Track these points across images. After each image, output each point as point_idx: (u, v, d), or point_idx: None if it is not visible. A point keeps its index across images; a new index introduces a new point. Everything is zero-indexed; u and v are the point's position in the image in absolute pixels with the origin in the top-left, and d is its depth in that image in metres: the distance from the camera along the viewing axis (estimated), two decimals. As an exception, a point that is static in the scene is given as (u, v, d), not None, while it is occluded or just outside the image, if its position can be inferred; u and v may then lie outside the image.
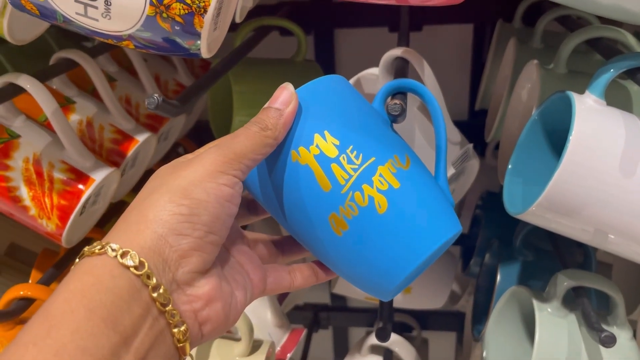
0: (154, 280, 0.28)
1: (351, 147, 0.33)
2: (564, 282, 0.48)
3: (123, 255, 0.27)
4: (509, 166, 0.47)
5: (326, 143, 0.33)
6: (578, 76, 0.52)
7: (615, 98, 0.48)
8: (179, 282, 0.29)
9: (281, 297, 0.68)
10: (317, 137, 0.33)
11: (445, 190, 0.37)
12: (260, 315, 0.58)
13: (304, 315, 1.08)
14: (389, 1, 0.42)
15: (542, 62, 0.54)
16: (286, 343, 0.59)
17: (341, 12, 0.85)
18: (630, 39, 0.48)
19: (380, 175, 0.33)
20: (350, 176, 0.33)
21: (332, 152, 0.33)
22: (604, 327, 0.48)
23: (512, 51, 0.62)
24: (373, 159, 0.33)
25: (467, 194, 0.85)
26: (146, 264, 0.28)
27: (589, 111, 0.39)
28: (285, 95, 0.33)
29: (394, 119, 0.36)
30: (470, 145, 0.50)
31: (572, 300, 0.50)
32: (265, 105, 0.33)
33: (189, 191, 0.29)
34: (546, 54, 0.61)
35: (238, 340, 0.52)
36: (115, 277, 0.27)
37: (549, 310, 0.49)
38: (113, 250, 0.28)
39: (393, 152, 0.34)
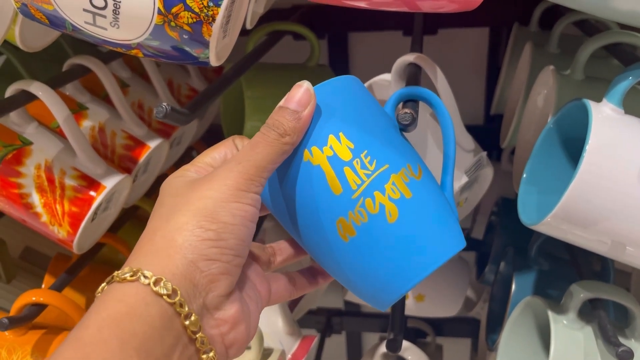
0: (186, 309, 0.27)
1: (365, 151, 0.32)
2: (580, 293, 0.47)
3: (156, 282, 0.27)
4: (524, 175, 0.46)
5: (340, 145, 0.32)
6: (596, 82, 0.51)
7: (635, 106, 0.47)
8: (208, 307, 0.29)
9: (292, 304, 0.68)
10: (331, 139, 0.32)
11: (451, 202, 0.36)
12: (271, 323, 0.58)
13: (317, 320, 1.07)
14: (401, 8, 0.41)
15: (558, 67, 0.53)
16: (297, 351, 0.58)
17: (355, 16, 0.84)
18: (650, 45, 0.47)
19: (393, 183, 0.32)
20: (363, 182, 0.32)
21: (346, 155, 0.32)
22: (622, 340, 0.47)
23: (528, 56, 0.61)
24: (387, 166, 0.33)
25: (482, 199, 0.84)
26: (179, 292, 0.27)
27: (606, 120, 0.38)
28: (303, 96, 0.32)
29: (405, 127, 0.35)
30: (484, 154, 0.49)
31: (589, 311, 0.49)
32: (281, 104, 0.32)
33: (216, 214, 0.29)
34: (563, 59, 0.60)
35: (248, 348, 0.52)
36: (148, 305, 0.27)
37: (565, 322, 0.48)
38: (146, 277, 0.27)
39: (406, 161, 0.33)
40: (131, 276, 0.27)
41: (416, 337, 1.02)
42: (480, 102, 0.90)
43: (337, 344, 1.16)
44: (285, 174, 0.33)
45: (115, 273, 0.28)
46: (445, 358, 1.04)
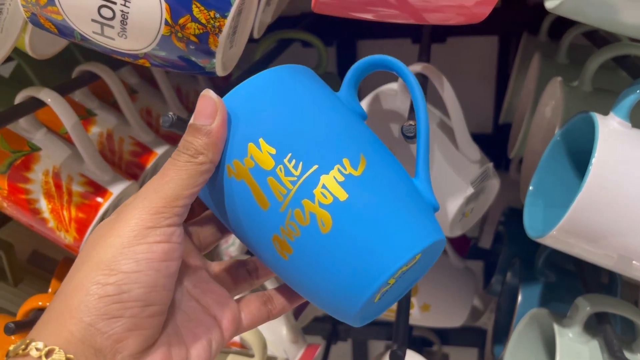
0: None
1: (289, 155, 0.28)
2: (586, 307, 0.47)
3: (48, 354, 0.24)
4: (530, 188, 0.45)
5: (261, 153, 0.28)
6: (604, 94, 0.51)
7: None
8: None
9: (297, 312, 0.68)
10: (251, 147, 0.28)
11: (424, 191, 0.31)
12: (275, 331, 0.58)
13: (323, 327, 1.07)
14: (408, 21, 0.42)
15: (566, 77, 0.52)
16: (301, 359, 0.58)
17: (363, 24, 0.85)
18: (659, 58, 0.47)
19: (324, 186, 0.28)
20: (289, 190, 0.28)
21: (267, 164, 0.28)
22: (628, 354, 0.46)
23: (537, 66, 0.61)
24: (315, 167, 0.28)
25: (489, 208, 0.84)
26: None
27: (613, 134, 0.38)
28: (207, 106, 0.28)
29: (410, 140, 0.35)
30: (490, 165, 0.49)
31: (595, 325, 0.48)
32: (190, 121, 0.29)
33: (115, 264, 0.25)
34: (571, 70, 0.60)
35: (252, 357, 0.52)
36: None
37: (570, 335, 0.48)
38: (38, 349, 0.24)
39: (342, 155, 0.29)
40: (23, 349, 0.25)
41: (422, 346, 1.01)
42: (489, 111, 0.90)
43: (343, 351, 1.15)
44: (214, 192, 0.30)
45: (11, 347, 0.25)
46: (452, 367, 1.04)
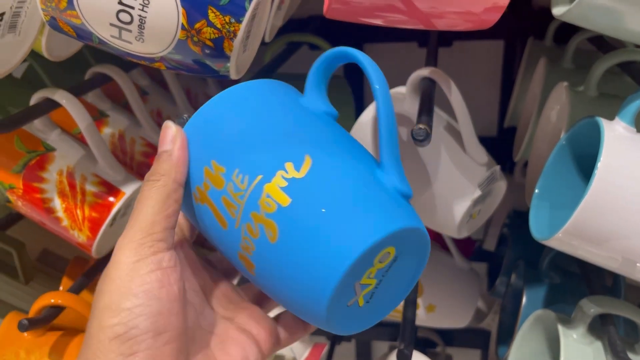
0: None
1: (236, 170, 0.28)
2: (590, 308, 0.47)
3: None
4: (536, 191, 0.46)
5: (213, 175, 0.29)
6: (609, 99, 0.51)
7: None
8: None
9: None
10: (206, 171, 0.29)
11: (388, 179, 0.29)
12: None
13: (328, 327, 1.08)
14: (416, 26, 0.42)
15: (572, 82, 0.53)
16: (308, 358, 0.59)
17: (370, 28, 0.85)
18: (664, 64, 0.47)
19: (267, 195, 0.27)
20: (239, 206, 0.28)
21: (219, 184, 0.28)
22: (631, 356, 0.47)
23: (542, 71, 0.61)
24: (260, 177, 0.28)
25: (494, 211, 0.84)
26: None
27: (618, 139, 0.39)
28: (168, 134, 0.30)
29: (420, 143, 0.36)
30: (498, 167, 0.50)
31: (599, 326, 0.49)
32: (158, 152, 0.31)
33: (116, 304, 0.26)
34: (577, 75, 0.60)
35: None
36: None
37: (575, 336, 0.48)
38: None
39: (285, 159, 0.28)
40: None
41: (426, 347, 1.02)
42: (493, 114, 0.91)
43: (347, 351, 1.16)
44: (192, 219, 0.31)
45: None
46: (455, 368, 1.04)
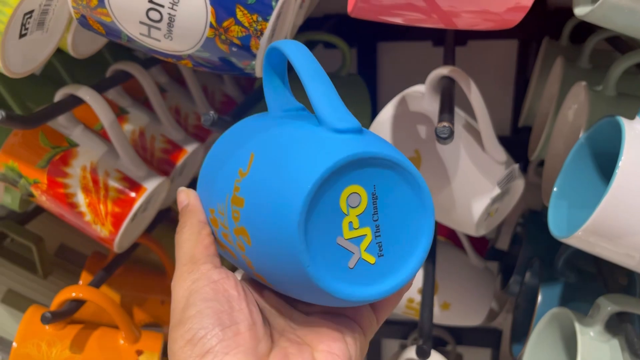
0: None
1: (217, 204, 0.30)
2: (607, 306, 0.48)
3: None
4: (555, 189, 0.47)
5: (211, 218, 0.31)
6: (628, 99, 0.52)
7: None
8: None
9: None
10: (211, 212, 0.31)
11: (325, 125, 0.27)
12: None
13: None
14: (437, 25, 0.43)
15: (589, 82, 0.53)
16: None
17: (385, 26, 0.86)
18: (683, 64, 0.47)
19: (233, 207, 0.28)
20: (228, 233, 0.29)
21: (216, 224, 0.31)
22: (649, 354, 0.47)
23: (560, 70, 0.62)
24: (227, 195, 0.29)
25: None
26: None
27: (639, 138, 0.39)
28: (181, 194, 0.33)
29: (443, 141, 0.37)
30: (517, 166, 0.50)
31: (616, 324, 0.49)
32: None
33: (179, 319, 0.27)
34: (594, 74, 0.61)
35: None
36: None
37: (592, 334, 0.49)
38: None
39: (237, 167, 0.29)
40: None
41: (437, 345, 1.02)
42: (507, 114, 0.91)
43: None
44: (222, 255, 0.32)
45: None
46: (466, 367, 1.05)
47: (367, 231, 0.26)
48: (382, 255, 0.27)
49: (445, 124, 0.36)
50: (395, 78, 0.91)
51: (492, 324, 0.93)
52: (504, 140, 0.91)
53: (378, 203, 0.26)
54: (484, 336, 1.03)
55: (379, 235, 0.26)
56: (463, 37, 0.83)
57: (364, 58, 0.90)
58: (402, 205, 0.27)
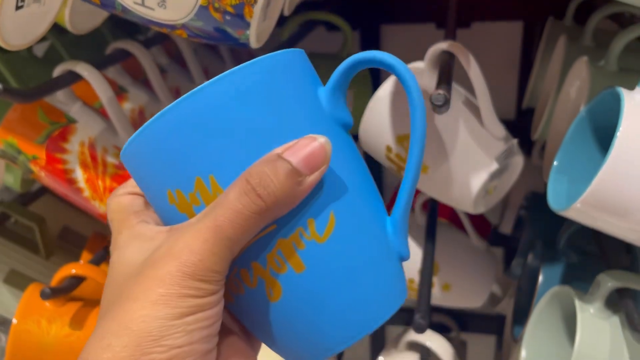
0: None
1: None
2: (607, 282, 0.47)
3: None
4: (555, 163, 0.46)
5: (210, 194, 0.23)
6: (630, 74, 0.51)
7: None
8: None
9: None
10: (198, 182, 0.23)
11: (395, 240, 0.26)
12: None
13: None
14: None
15: (592, 59, 0.53)
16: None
17: (388, 8, 0.85)
18: (686, 36, 0.47)
19: (279, 252, 0.24)
20: None
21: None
22: (649, 330, 0.47)
23: (562, 48, 0.61)
24: (273, 227, 0.24)
25: (510, 193, 0.84)
26: None
27: (638, 107, 0.38)
28: (316, 153, 0.24)
29: (438, 109, 0.36)
30: (515, 141, 0.50)
31: (616, 301, 0.49)
32: (279, 151, 0.24)
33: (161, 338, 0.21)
34: (597, 53, 0.60)
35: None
36: None
37: (592, 311, 0.48)
38: None
39: (308, 216, 0.24)
40: None
41: (440, 332, 1.02)
42: (512, 97, 0.90)
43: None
44: (159, 214, 0.26)
45: None
46: (469, 354, 1.04)
47: None
48: None
49: (441, 91, 0.36)
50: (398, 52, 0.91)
51: (496, 310, 0.92)
52: (508, 124, 0.91)
53: None
54: (488, 322, 1.02)
55: None
56: (466, 18, 0.83)
57: (366, 41, 0.89)
58: None
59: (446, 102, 0.36)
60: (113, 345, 0.21)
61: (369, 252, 0.25)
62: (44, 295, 0.51)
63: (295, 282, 0.24)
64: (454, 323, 0.99)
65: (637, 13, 0.61)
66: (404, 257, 0.27)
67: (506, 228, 0.88)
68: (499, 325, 0.99)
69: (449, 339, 1.01)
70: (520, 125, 0.79)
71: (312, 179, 0.23)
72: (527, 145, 0.84)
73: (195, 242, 0.22)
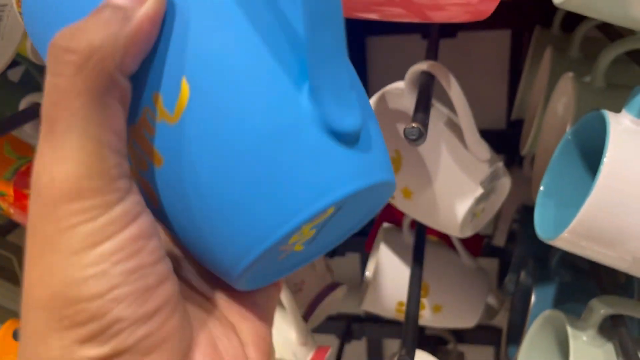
0: None
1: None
2: (600, 309, 0.45)
3: None
4: (541, 188, 0.44)
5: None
6: (618, 90, 0.49)
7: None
8: None
9: (307, 314, 0.68)
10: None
11: (317, 107, 0.18)
12: (284, 334, 0.58)
13: (337, 326, 1.06)
14: (412, 19, 0.41)
15: (579, 72, 0.51)
16: (311, 362, 0.58)
17: (373, 20, 0.83)
18: (675, 51, 0.45)
19: (135, 144, 0.19)
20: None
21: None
22: (645, 358, 0.45)
23: (549, 61, 0.59)
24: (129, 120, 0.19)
25: (503, 205, 0.82)
26: None
27: (625, 132, 0.37)
28: None
29: (413, 143, 0.34)
30: (501, 164, 0.48)
31: (611, 327, 0.47)
32: None
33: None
34: (585, 64, 0.58)
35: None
36: None
37: (584, 338, 0.46)
38: None
39: (152, 88, 0.18)
40: None
41: (437, 344, 1.00)
42: (502, 107, 0.88)
43: (357, 350, 1.15)
44: None
45: None
46: (468, 366, 1.03)
47: (311, 233, 0.21)
48: (310, 244, 0.22)
49: (414, 125, 0.34)
50: (385, 72, 0.89)
51: (493, 322, 0.91)
52: (499, 135, 0.89)
53: (338, 212, 0.21)
54: (485, 334, 1.00)
55: (319, 233, 0.21)
56: (452, 29, 0.81)
57: (353, 53, 0.87)
58: (356, 209, 0.22)
59: (420, 136, 0.34)
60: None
61: (253, 131, 0.18)
62: (17, 337, 0.49)
63: (161, 180, 0.19)
64: (451, 336, 0.98)
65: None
66: (337, 128, 0.18)
67: (499, 239, 0.86)
68: (496, 336, 0.97)
69: (447, 352, 1.00)
70: (511, 135, 0.78)
71: (143, 12, 0.17)
72: (519, 156, 0.83)
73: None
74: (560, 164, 0.44)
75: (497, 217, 0.84)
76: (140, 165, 0.19)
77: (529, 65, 0.68)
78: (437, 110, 0.50)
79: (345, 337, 1.04)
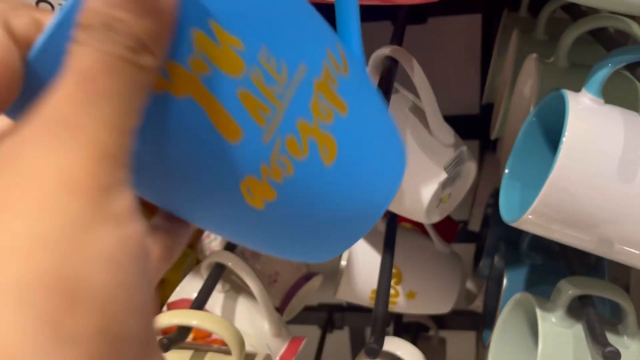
0: None
1: (264, 48, 0.17)
2: (568, 290, 0.45)
3: None
4: (506, 170, 0.44)
5: (220, 49, 0.16)
6: (581, 70, 0.49)
7: (620, 93, 0.45)
8: None
9: (282, 305, 0.67)
10: (199, 38, 0.15)
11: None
12: (257, 326, 0.57)
13: (319, 316, 1.06)
14: (373, 1, 0.40)
15: (545, 54, 0.51)
16: (285, 353, 0.57)
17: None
18: (636, 29, 0.45)
19: (321, 96, 0.18)
20: (274, 109, 0.17)
21: (233, 65, 0.16)
22: (614, 337, 0.45)
23: (515, 43, 0.59)
24: (303, 65, 0.18)
25: (478, 190, 0.82)
26: None
27: (584, 111, 0.36)
28: None
29: None
30: (465, 148, 0.48)
31: (579, 308, 0.47)
32: None
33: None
34: (551, 45, 0.57)
35: (228, 354, 0.50)
36: None
37: (553, 320, 0.46)
38: None
39: (325, 44, 0.19)
40: None
41: (418, 331, 1.00)
42: (475, 91, 0.88)
43: (339, 339, 1.15)
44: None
45: None
46: (449, 351, 1.03)
47: None
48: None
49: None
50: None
51: (472, 306, 0.91)
52: (472, 119, 0.89)
53: None
54: (466, 320, 1.01)
55: None
56: (422, 14, 0.80)
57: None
58: None
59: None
60: None
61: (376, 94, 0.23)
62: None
63: (344, 129, 0.20)
64: (431, 322, 0.98)
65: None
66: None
67: (475, 224, 0.86)
68: (477, 321, 0.98)
69: (428, 338, 1.00)
70: (484, 119, 0.78)
71: None
72: (492, 141, 0.83)
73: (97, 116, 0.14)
74: (525, 146, 0.44)
75: (472, 202, 0.84)
76: (323, 117, 0.19)
77: (498, 49, 0.68)
78: (402, 96, 0.49)
79: (327, 326, 1.04)
